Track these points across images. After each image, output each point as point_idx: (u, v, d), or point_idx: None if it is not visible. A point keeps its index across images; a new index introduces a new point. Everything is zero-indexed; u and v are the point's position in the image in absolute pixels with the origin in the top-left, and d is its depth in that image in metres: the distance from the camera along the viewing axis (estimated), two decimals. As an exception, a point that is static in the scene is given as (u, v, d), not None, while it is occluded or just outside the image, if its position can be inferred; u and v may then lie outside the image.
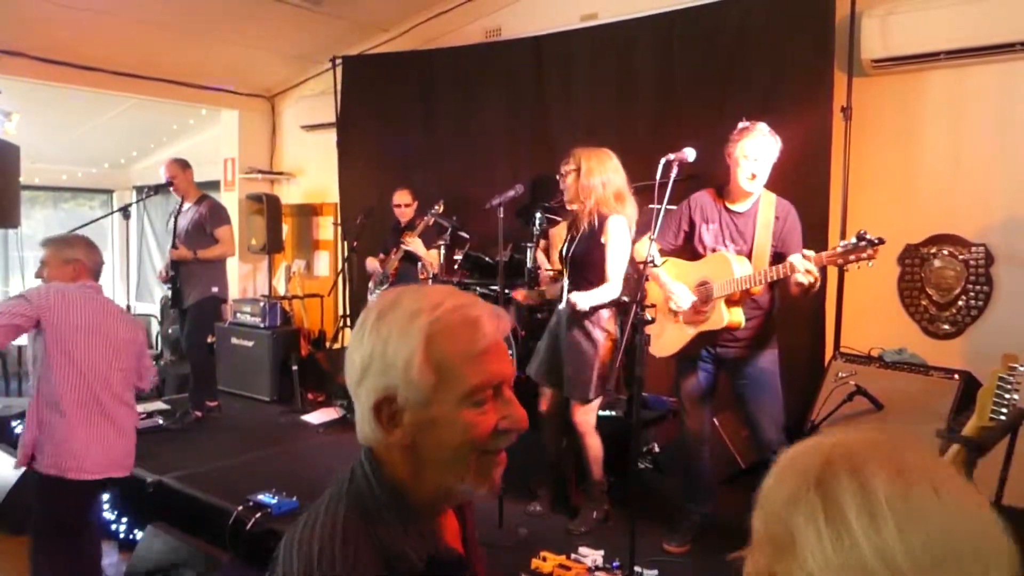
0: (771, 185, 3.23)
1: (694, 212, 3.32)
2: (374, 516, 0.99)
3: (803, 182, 3.91)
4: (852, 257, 2.79)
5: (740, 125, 3.18)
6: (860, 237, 2.77)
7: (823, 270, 3.07)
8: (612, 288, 3.43)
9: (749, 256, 3.17)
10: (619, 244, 3.42)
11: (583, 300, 3.41)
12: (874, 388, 3.50)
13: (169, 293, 5.48)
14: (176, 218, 5.38)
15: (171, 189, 5.38)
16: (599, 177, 3.42)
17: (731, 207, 3.24)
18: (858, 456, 0.71)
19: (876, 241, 2.74)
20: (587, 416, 3.55)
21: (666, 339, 3.39)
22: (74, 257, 3.09)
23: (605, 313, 3.49)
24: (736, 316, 3.15)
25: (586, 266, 3.49)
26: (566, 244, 3.64)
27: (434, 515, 1.06)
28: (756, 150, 3.10)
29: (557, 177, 3.60)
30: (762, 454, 3.29)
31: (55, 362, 2.94)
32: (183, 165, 5.38)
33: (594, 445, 3.58)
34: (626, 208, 3.47)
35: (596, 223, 3.45)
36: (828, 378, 3.75)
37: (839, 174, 4.15)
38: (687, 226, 3.35)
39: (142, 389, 3.37)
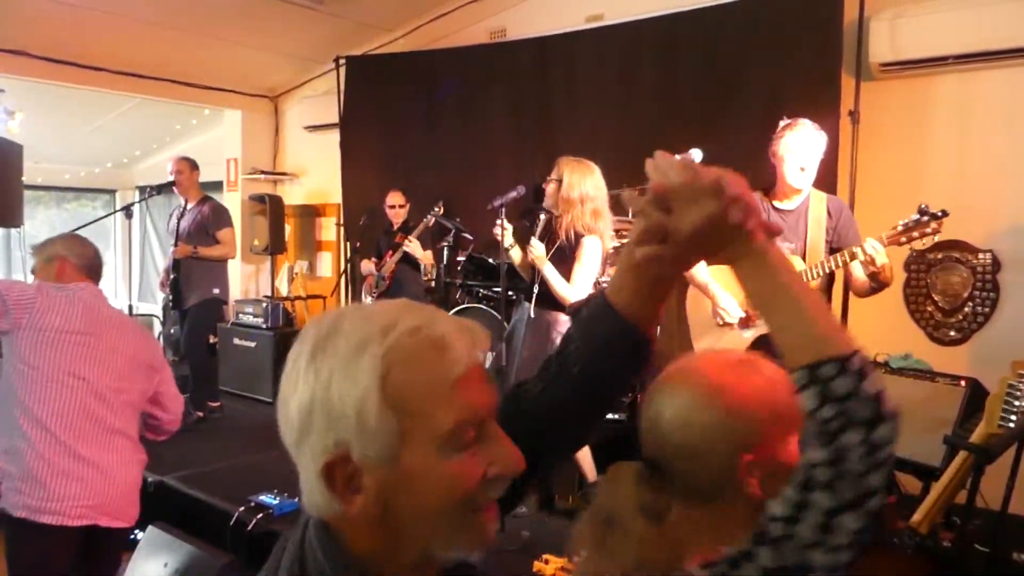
0: (778, 187, 3.21)
1: None
2: None
3: (809, 186, 3.89)
4: (916, 233, 2.70)
5: (782, 122, 3.13)
6: (922, 211, 2.68)
7: (830, 273, 3.05)
8: (570, 292, 3.46)
9: (803, 255, 3.09)
10: (588, 264, 3.47)
11: (547, 265, 3.44)
12: (880, 394, 3.47)
13: (169, 294, 5.47)
14: (178, 220, 5.37)
15: (173, 187, 5.36)
16: (579, 191, 3.48)
17: (779, 206, 3.16)
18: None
19: (940, 214, 2.65)
20: None
21: (724, 348, 3.33)
22: (54, 253, 2.57)
23: (563, 318, 3.52)
24: None
25: None
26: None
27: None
28: (801, 143, 3.04)
29: (543, 185, 3.62)
30: None
31: (24, 373, 2.38)
32: (192, 165, 5.36)
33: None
34: (600, 223, 3.51)
35: (571, 239, 3.50)
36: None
37: (846, 178, 4.13)
38: None
39: (161, 424, 2.80)
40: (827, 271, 2.96)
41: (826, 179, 4.04)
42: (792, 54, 4.28)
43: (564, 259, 3.52)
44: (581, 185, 3.47)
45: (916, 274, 4.18)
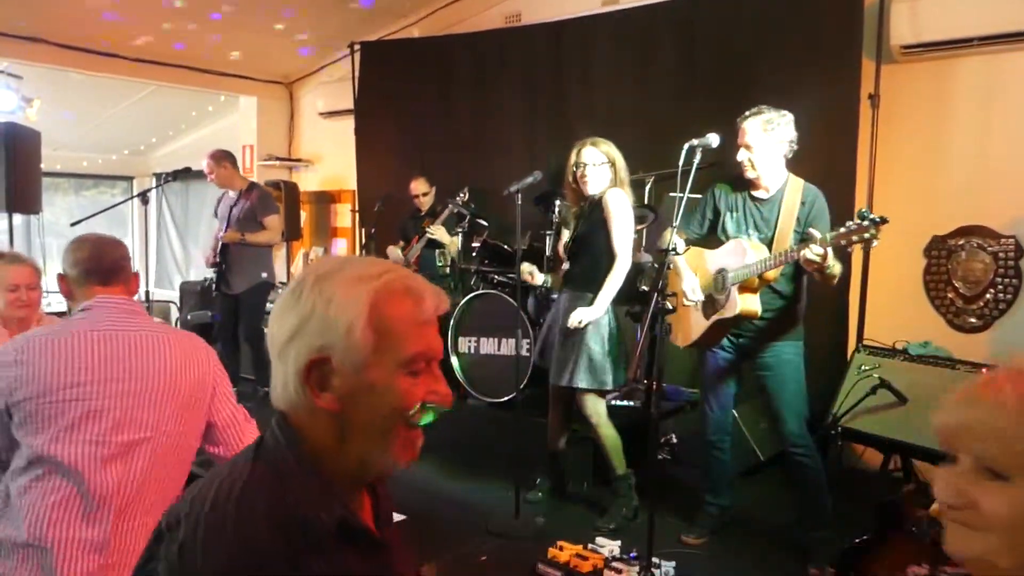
0: (795, 173, 3.17)
1: (718, 201, 3.28)
2: (285, 477, 0.95)
3: (828, 171, 3.83)
4: (855, 238, 2.72)
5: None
6: (862, 216, 2.72)
7: (848, 259, 3.02)
8: (622, 265, 3.45)
9: (771, 244, 3.10)
10: (621, 216, 3.46)
11: (593, 312, 3.44)
12: (898, 381, 3.44)
13: (213, 276, 5.52)
14: (230, 208, 5.44)
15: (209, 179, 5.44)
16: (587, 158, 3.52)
17: (755, 194, 3.19)
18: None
19: (878, 220, 2.67)
20: (597, 406, 3.54)
21: (687, 328, 3.36)
22: (59, 272, 2.05)
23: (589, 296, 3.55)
24: (750, 304, 3.08)
25: (581, 250, 3.56)
26: (569, 235, 3.70)
27: (351, 489, 1.03)
28: (744, 136, 3.08)
29: (571, 179, 3.59)
30: (783, 446, 3.22)
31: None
32: (218, 159, 5.38)
33: (610, 435, 3.56)
34: (618, 181, 3.53)
35: (594, 205, 3.53)
36: (851, 371, 3.69)
37: (865, 163, 4.07)
38: (711, 215, 3.31)
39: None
40: (778, 264, 2.98)
41: (845, 164, 4.01)
42: (811, 37, 4.22)
43: (592, 221, 3.53)
44: (589, 155, 3.52)
45: (936, 260, 4.12)
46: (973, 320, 4.02)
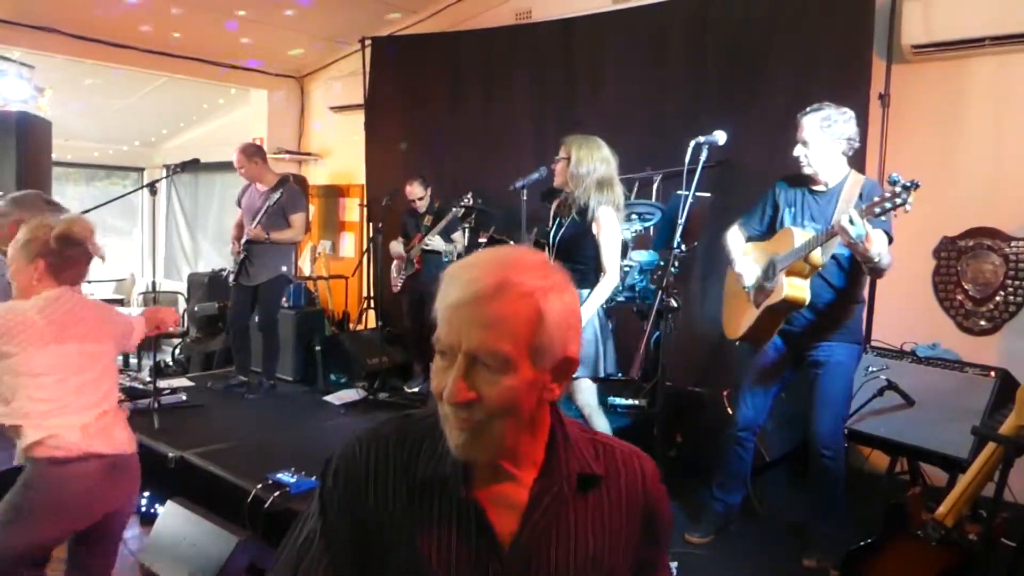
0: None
1: (778, 196, 3.24)
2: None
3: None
4: (887, 204, 2.65)
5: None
6: (892, 181, 2.65)
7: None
8: (610, 279, 3.46)
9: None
10: (611, 235, 3.46)
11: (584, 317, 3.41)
12: (906, 383, 3.41)
13: (234, 268, 5.52)
14: (245, 195, 5.44)
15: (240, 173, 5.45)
16: (586, 166, 3.48)
17: (814, 189, 3.15)
18: None
19: (909, 184, 2.60)
20: (587, 397, 3.54)
21: (738, 320, 3.30)
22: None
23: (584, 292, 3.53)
24: (797, 289, 2.98)
25: (573, 252, 3.54)
26: (553, 227, 3.66)
27: (481, 467, 1.07)
28: (802, 131, 3.04)
29: (552, 165, 3.61)
30: (812, 447, 3.10)
31: None
32: (249, 154, 5.37)
33: (601, 425, 3.54)
34: (608, 194, 3.50)
35: (584, 212, 3.50)
36: (858, 372, 3.67)
37: (875, 163, 4.05)
38: (771, 210, 3.26)
39: None
40: (820, 244, 2.89)
41: (854, 164, 3.96)
42: (822, 35, 4.20)
43: (578, 233, 3.53)
44: (588, 159, 3.48)
45: (946, 262, 4.09)
46: (983, 323, 3.99)
